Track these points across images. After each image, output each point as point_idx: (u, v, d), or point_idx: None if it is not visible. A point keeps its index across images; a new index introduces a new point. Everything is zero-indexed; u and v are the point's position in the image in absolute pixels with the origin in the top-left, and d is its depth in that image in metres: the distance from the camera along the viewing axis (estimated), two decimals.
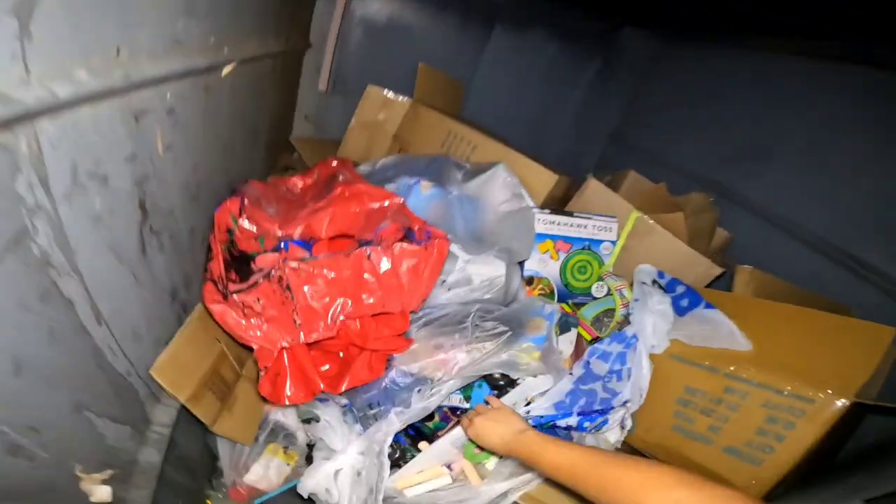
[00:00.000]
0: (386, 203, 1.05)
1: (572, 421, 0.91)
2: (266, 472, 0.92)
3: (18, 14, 0.38)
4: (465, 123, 1.46)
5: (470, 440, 0.81)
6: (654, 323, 0.98)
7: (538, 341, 0.87)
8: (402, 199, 1.06)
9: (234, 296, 0.81)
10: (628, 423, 0.97)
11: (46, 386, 0.53)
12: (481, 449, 0.84)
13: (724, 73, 1.69)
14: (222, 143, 0.97)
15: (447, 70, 1.79)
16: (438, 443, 0.85)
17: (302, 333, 0.85)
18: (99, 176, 0.55)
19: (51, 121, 0.44)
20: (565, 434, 0.95)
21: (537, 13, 1.99)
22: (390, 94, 1.65)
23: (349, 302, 0.85)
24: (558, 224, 1.23)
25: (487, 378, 0.89)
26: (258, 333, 0.83)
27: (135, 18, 0.55)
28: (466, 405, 0.89)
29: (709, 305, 0.97)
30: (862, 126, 1.22)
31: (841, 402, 0.73)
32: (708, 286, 1.19)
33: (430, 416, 0.90)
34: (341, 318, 0.86)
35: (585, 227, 1.23)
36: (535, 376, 0.88)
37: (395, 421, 0.78)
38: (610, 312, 1.17)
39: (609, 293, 1.20)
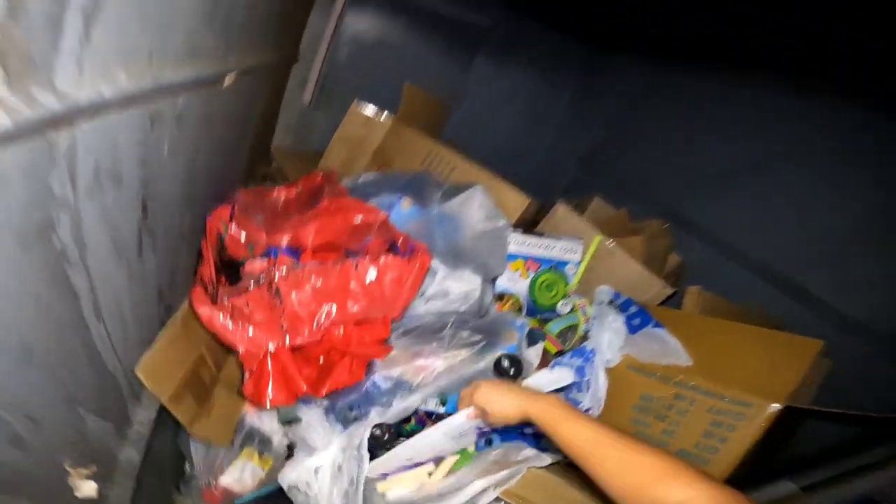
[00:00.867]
0: (370, 218, 1.11)
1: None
2: (241, 475, 0.93)
3: (85, 13, 0.41)
4: (445, 145, 1.54)
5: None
6: (609, 339, 1.08)
7: (510, 350, 0.94)
8: (385, 215, 1.11)
9: (225, 299, 0.83)
10: None
11: (48, 377, 0.54)
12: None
13: (685, 103, 1.81)
14: (217, 151, 0.99)
15: (432, 90, 1.88)
16: (431, 431, 0.82)
17: (287, 337, 0.88)
18: (115, 175, 0.57)
19: (91, 120, 0.47)
20: (533, 441, 1.02)
21: (520, 39, 2.14)
22: (374, 111, 1.71)
23: (334, 309, 0.89)
24: (528, 244, 1.32)
25: (496, 365, 0.91)
26: (245, 337, 0.85)
27: (168, 25, 0.58)
28: (442, 409, 0.94)
29: (658, 325, 1.08)
30: (809, 160, 1.35)
31: (773, 407, 0.83)
32: (661, 304, 1.31)
33: (408, 419, 0.94)
34: (326, 323, 0.90)
35: (553, 248, 1.33)
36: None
37: (374, 418, 0.82)
38: (574, 328, 1.26)
39: (573, 310, 1.30)
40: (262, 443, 1.00)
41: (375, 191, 1.33)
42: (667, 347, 1.01)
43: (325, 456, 0.82)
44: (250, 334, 0.86)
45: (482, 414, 0.76)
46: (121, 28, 0.48)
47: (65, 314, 0.55)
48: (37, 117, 0.39)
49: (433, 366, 0.92)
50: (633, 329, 1.11)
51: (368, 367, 0.94)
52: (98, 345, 0.64)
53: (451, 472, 0.90)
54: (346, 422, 0.89)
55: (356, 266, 0.90)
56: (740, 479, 0.89)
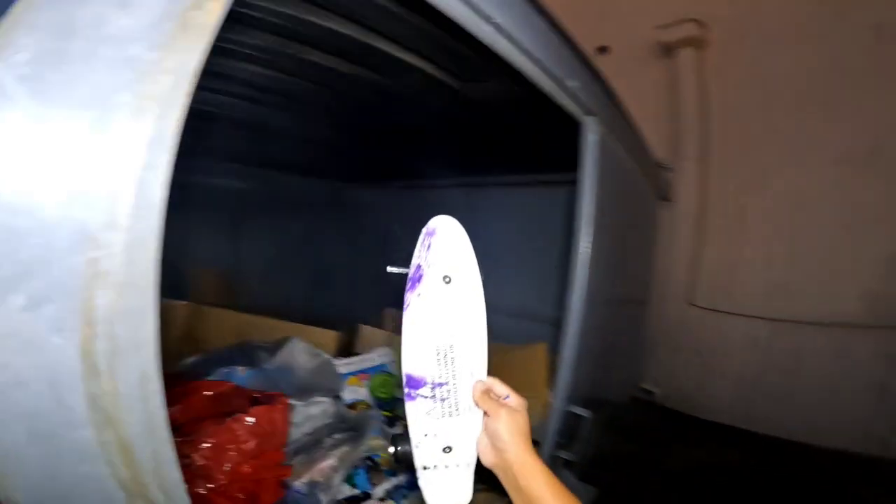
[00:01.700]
0: (218, 388, 1.27)
1: None
2: None
3: None
4: (249, 312, 1.78)
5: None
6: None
7: (376, 432, 1.25)
8: (231, 384, 1.30)
9: None
10: None
11: None
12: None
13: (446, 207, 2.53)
14: None
15: (210, 265, 2.06)
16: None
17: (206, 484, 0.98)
18: None
19: None
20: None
21: (273, 193, 2.44)
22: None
23: (233, 455, 1.05)
24: (352, 364, 1.67)
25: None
26: None
27: None
28: (357, 490, 1.15)
29: None
30: (531, 232, 2.17)
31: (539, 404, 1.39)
32: None
33: None
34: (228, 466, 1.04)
35: (372, 359, 1.72)
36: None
37: None
38: None
39: None
40: None
41: (205, 369, 1.46)
42: None
43: None
44: None
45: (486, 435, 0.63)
46: None
47: None
48: None
49: (329, 464, 1.13)
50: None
51: (284, 485, 1.09)
52: None
53: None
54: None
55: (236, 419, 1.08)
56: None
